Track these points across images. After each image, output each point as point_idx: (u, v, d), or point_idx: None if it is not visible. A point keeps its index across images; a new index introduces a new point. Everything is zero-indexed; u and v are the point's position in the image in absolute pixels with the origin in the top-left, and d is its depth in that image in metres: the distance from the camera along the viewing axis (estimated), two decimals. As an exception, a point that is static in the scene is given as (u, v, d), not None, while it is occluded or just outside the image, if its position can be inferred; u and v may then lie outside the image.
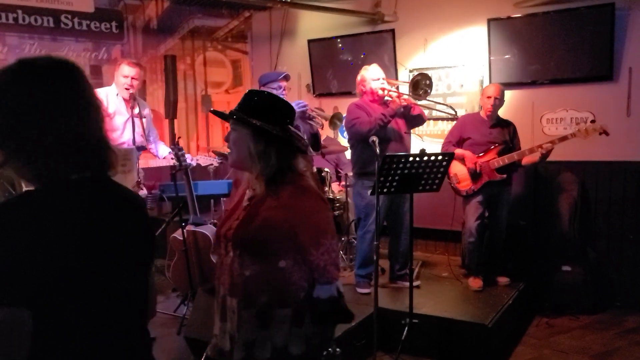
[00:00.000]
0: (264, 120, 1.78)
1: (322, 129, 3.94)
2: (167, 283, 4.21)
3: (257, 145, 1.79)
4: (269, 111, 1.82)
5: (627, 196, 4.52)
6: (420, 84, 3.92)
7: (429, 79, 3.93)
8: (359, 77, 4.17)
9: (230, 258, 1.83)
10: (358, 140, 4.01)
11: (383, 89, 4.06)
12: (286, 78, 3.83)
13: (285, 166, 1.81)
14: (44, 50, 5.26)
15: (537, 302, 4.41)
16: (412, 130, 4.31)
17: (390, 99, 4.05)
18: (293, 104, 3.66)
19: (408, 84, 4.01)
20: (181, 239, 3.82)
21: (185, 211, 3.81)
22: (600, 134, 3.93)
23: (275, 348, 1.76)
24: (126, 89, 3.94)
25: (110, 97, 4.02)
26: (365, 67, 4.18)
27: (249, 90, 1.92)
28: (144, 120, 4.03)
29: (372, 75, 4.10)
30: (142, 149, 3.98)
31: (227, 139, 1.89)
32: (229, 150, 1.90)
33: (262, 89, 3.82)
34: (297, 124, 3.68)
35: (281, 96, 3.75)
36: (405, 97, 4.00)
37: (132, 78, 3.96)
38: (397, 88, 4.22)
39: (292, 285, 1.77)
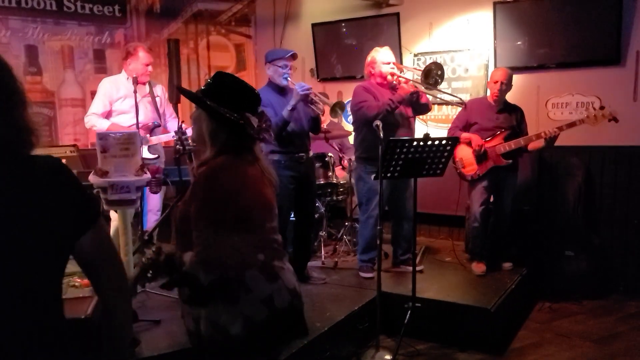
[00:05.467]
0: (220, 103, 1.85)
1: (322, 115, 3.91)
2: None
3: (209, 124, 1.87)
4: (227, 95, 1.89)
5: (633, 181, 4.49)
6: (432, 73, 3.85)
7: (441, 69, 3.85)
8: (369, 58, 4.09)
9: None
10: (363, 124, 3.98)
11: (392, 74, 4.01)
12: (293, 57, 3.79)
13: (229, 148, 1.87)
14: (47, 34, 5.25)
15: (540, 287, 4.42)
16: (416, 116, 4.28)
17: (397, 84, 4.01)
18: (296, 86, 3.67)
19: (420, 72, 3.92)
20: (185, 223, 3.84)
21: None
22: (609, 120, 3.89)
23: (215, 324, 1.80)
24: (149, 73, 4.22)
25: (121, 82, 4.23)
26: (377, 48, 4.10)
27: (217, 72, 1.99)
28: (157, 99, 4.28)
29: (383, 58, 4.02)
30: (158, 126, 4.22)
31: (191, 117, 2.00)
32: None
33: (268, 65, 3.79)
34: (297, 107, 3.65)
35: (286, 75, 3.76)
36: (412, 83, 3.96)
37: (150, 64, 4.22)
38: (404, 74, 4.18)
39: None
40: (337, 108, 3.84)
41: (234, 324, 1.76)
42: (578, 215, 4.54)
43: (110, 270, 1.35)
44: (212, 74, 6.57)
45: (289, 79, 3.76)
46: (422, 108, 4.13)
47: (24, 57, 5.18)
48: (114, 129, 3.99)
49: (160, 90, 4.43)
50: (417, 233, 3.57)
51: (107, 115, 4.20)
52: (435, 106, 5.25)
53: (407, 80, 3.99)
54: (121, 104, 4.18)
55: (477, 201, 4.21)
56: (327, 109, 3.83)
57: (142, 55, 4.16)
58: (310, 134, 3.98)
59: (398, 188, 4.07)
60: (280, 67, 3.73)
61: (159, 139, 4.28)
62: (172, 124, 4.43)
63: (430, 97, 4.20)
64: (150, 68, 4.22)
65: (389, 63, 4.02)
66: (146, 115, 4.15)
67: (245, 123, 1.88)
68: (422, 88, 3.96)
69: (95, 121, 4.14)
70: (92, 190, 1.25)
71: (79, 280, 3.98)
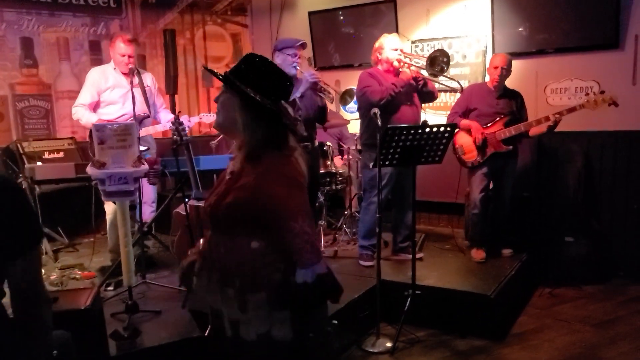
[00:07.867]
0: (256, 89, 1.65)
1: (332, 103, 3.89)
2: (171, 258, 4.24)
3: (243, 113, 1.67)
4: (264, 80, 1.68)
5: (632, 166, 4.48)
6: (438, 60, 3.82)
7: (447, 56, 3.81)
8: (376, 44, 4.07)
9: (209, 234, 1.80)
10: (368, 110, 3.95)
11: (399, 61, 3.98)
12: (303, 46, 3.79)
13: (270, 142, 1.69)
14: (42, 25, 5.22)
15: (540, 272, 4.43)
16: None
17: (402, 70, 3.99)
18: (305, 74, 3.65)
19: (425, 59, 3.91)
20: (184, 214, 3.83)
21: (188, 186, 3.81)
22: (609, 105, 3.87)
23: (258, 332, 1.66)
24: (127, 64, 4.05)
25: (109, 72, 4.14)
26: (385, 34, 4.08)
27: (248, 54, 1.76)
28: (147, 89, 4.11)
29: (390, 44, 3.99)
30: (147, 117, 4.09)
31: (216, 100, 1.78)
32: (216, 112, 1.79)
33: (277, 54, 3.77)
34: (305, 94, 3.63)
35: (294, 64, 3.74)
36: (415, 69, 3.93)
37: (129, 56, 4.04)
38: (412, 61, 4.14)
39: (266, 268, 1.65)
40: (347, 95, 3.83)
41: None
42: (578, 200, 4.54)
43: (33, 307, 1.33)
44: (209, 64, 6.55)
45: (297, 67, 3.75)
46: (427, 96, 4.11)
47: (20, 49, 5.15)
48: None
49: (150, 80, 4.31)
50: (416, 221, 3.56)
51: (96, 106, 4.11)
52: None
53: (409, 66, 3.96)
54: (110, 94, 4.10)
55: (477, 188, 4.20)
56: (337, 98, 3.82)
57: (120, 45, 4.02)
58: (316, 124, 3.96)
59: (403, 175, 4.06)
60: (290, 55, 3.72)
61: (147, 130, 4.19)
62: (163, 115, 4.35)
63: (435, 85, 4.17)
64: (126, 59, 4.03)
65: (396, 50, 3.99)
66: (136, 106, 4.07)
67: (282, 112, 1.69)
68: (426, 74, 3.93)
69: (81, 114, 4.05)
70: (37, 219, 1.21)
71: (79, 272, 4.00)
